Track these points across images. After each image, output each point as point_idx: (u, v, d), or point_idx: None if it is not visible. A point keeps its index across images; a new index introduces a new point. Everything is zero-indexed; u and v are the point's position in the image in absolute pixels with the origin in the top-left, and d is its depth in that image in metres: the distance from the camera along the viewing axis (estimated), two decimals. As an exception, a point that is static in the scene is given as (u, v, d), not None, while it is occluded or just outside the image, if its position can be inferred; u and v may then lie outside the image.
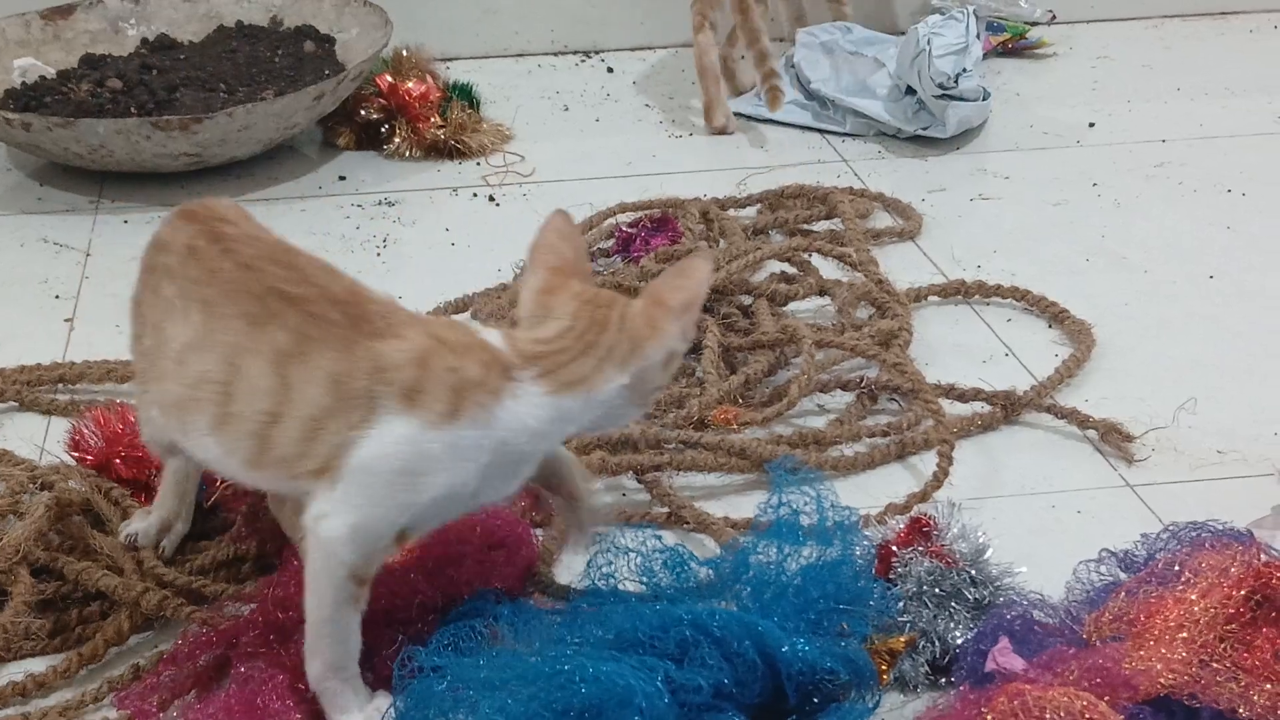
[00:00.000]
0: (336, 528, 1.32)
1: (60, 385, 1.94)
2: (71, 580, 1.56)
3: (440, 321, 1.39)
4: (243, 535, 1.60)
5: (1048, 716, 1.27)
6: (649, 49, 3.00)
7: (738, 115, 2.72)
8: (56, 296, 2.18)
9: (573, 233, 1.43)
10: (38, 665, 1.50)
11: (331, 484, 1.32)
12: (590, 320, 1.36)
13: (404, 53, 2.64)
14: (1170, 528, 1.49)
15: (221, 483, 1.63)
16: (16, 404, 1.91)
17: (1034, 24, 2.99)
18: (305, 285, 1.36)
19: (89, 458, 1.70)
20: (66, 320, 2.12)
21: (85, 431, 1.71)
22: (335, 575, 1.33)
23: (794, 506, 1.53)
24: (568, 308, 1.36)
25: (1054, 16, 3.01)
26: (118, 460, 1.69)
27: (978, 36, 2.65)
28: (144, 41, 2.75)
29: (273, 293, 1.35)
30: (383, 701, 1.38)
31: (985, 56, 2.79)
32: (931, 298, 2.13)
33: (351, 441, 1.31)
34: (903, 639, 1.47)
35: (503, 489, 1.40)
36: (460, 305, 2.08)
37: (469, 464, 1.33)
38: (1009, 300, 2.12)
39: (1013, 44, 2.96)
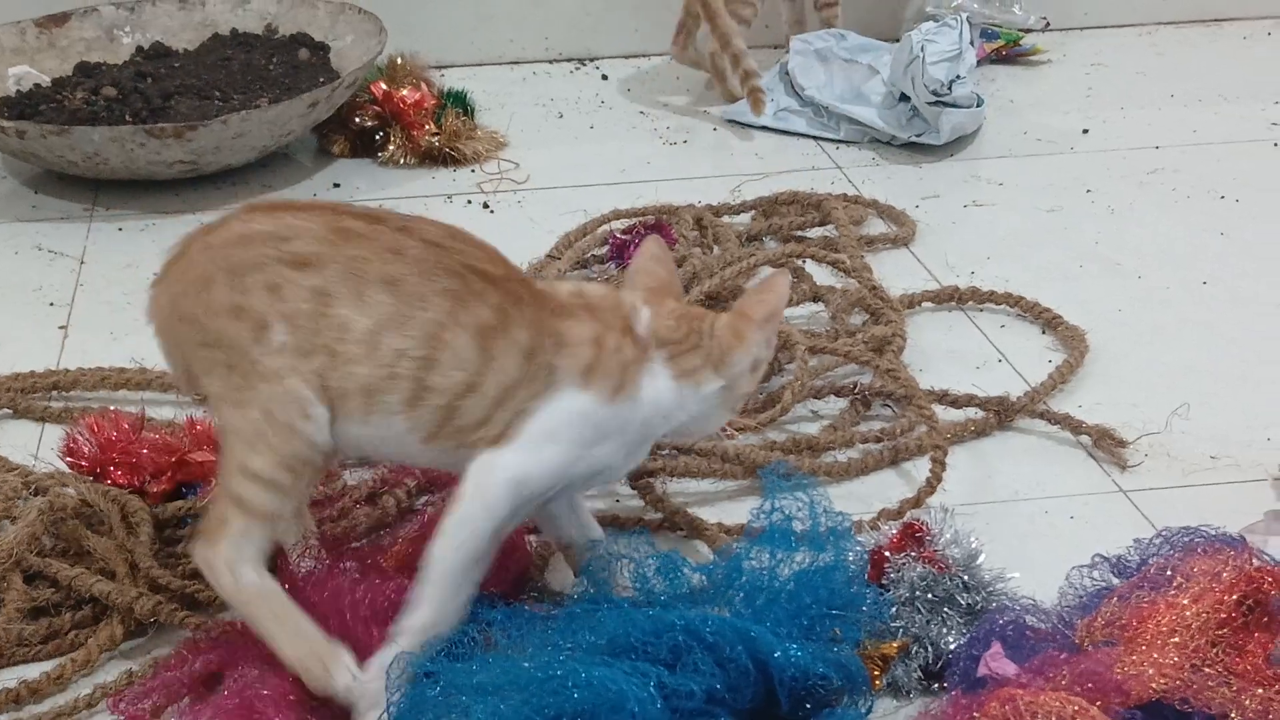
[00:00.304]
0: (503, 480, 1.40)
1: (54, 392, 1.94)
2: (65, 586, 1.56)
3: (595, 295, 1.47)
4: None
5: (1040, 721, 1.27)
6: (643, 56, 3.00)
7: (731, 123, 2.72)
8: (51, 304, 2.18)
9: (666, 257, 1.54)
10: (31, 671, 1.50)
11: (505, 443, 1.40)
12: (689, 329, 1.47)
13: (399, 60, 2.64)
14: (1163, 533, 1.49)
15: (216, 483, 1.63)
16: (10, 411, 1.91)
17: (1028, 31, 2.99)
18: (497, 264, 1.44)
19: (83, 464, 1.71)
20: (60, 327, 2.12)
21: (79, 438, 1.71)
22: (486, 525, 1.41)
23: (787, 512, 1.53)
24: (669, 320, 1.47)
25: (1047, 23, 3.02)
26: (112, 467, 1.70)
27: (971, 44, 2.65)
28: (139, 49, 2.75)
29: (472, 270, 1.41)
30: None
31: (979, 64, 2.80)
32: (925, 304, 2.13)
33: (531, 409, 1.40)
34: (895, 644, 1.47)
35: (626, 466, 1.51)
36: (454, 312, 2.08)
37: (622, 437, 1.44)
38: (1003, 306, 2.12)
39: (1006, 51, 2.97)
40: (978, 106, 2.60)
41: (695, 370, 1.46)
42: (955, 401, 1.88)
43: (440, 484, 1.70)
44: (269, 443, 1.40)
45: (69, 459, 1.71)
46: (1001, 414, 1.87)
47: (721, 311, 1.51)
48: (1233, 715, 1.30)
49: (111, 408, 1.81)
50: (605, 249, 2.22)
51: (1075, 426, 1.84)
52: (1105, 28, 3.13)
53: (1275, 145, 2.61)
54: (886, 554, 1.53)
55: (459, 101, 2.66)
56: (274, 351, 1.39)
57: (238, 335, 1.40)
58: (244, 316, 1.40)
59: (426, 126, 2.58)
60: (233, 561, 1.41)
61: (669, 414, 1.46)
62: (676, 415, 1.47)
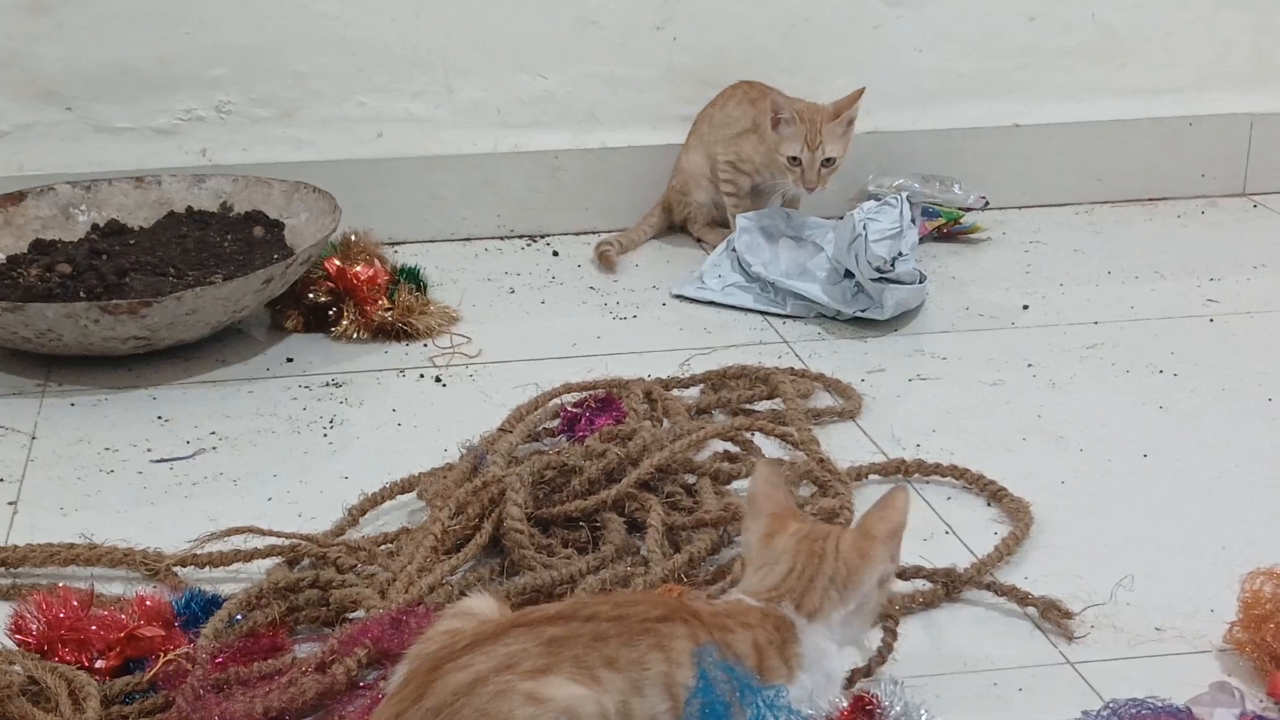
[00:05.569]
0: None
1: (2, 569, 1.93)
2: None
3: (726, 608, 1.55)
4: (183, 714, 1.59)
5: None
6: (593, 233, 3.05)
7: (680, 298, 2.77)
8: (0, 480, 2.18)
9: (780, 479, 1.64)
10: None
11: None
12: (809, 554, 1.56)
13: (352, 237, 2.68)
14: (1111, 705, 1.50)
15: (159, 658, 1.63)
16: (-43, 587, 1.90)
17: (968, 209, 3.07)
18: (658, 605, 1.51)
19: (30, 641, 1.69)
20: (10, 503, 2.11)
21: (27, 616, 1.70)
22: None
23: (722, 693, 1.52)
24: (788, 547, 1.57)
25: (987, 202, 3.09)
26: (59, 644, 1.68)
27: (913, 221, 2.71)
28: (94, 227, 2.77)
29: (652, 620, 1.47)
30: None
31: (921, 241, 2.86)
32: (872, 476, 2.15)
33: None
34: (848, 819, 1.47)
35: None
36: (406, 485, 2.09)
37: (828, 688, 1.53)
38: (948, 479, 2.15)
39: (947, 229, 3.03)
40: (920, 283, 2.66)
41: (818, 606, 1.54)
42: (903, 573, 1.89)
43: (393, 657, 1.69)
44: None
45: (16, 636, 1.70)
46: (949, 585, 1.88)
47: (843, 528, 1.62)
48: None
49: (60, 584, 1.80)
50: (557, 422, 2.24)
51: (1021, 598, 1.86)
52: (1043, 206, 3.22)
53: (1211, 321, 2.68)
54: (838, 728, 1.54)
55: (412, 277, 2.69)
56: None
57: None
58: None
59: (379, 302, 2.61)
60: None
61: (829, 651, 1.55)
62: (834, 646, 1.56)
